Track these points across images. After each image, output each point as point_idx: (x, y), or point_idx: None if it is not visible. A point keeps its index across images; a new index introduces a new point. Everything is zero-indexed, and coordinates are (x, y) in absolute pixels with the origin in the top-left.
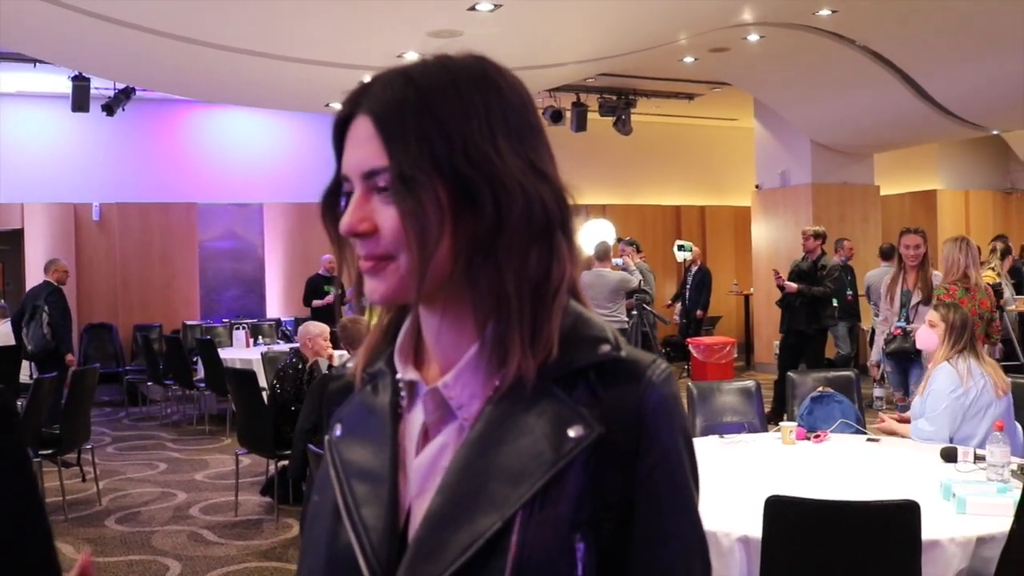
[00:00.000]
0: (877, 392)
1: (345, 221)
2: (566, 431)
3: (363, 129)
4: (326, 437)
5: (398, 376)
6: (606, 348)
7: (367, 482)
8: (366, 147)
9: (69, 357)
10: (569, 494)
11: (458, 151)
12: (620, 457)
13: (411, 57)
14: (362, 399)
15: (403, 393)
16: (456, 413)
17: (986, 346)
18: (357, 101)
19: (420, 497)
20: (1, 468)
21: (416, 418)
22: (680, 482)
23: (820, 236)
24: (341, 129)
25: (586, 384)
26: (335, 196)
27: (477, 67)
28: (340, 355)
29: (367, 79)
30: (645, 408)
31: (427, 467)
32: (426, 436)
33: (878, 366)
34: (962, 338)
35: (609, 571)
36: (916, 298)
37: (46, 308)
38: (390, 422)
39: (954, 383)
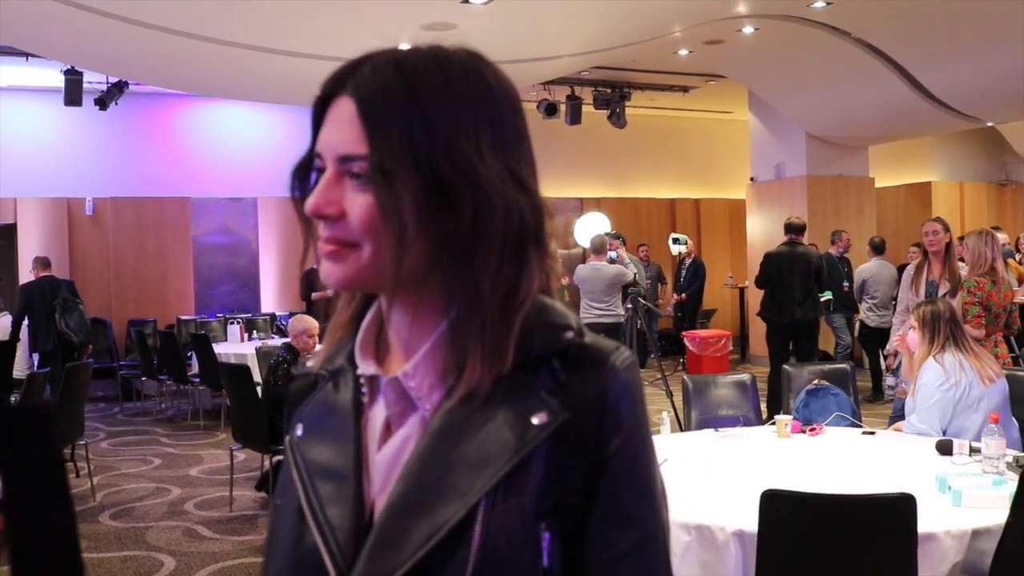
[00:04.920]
0: (890, 381)
1: (312, 201)
2: (529, 418)
3: (345, 111)
4: (286, 438)
5: (359, 371)
6: (569, 335)
7: (331, 481)
8: (345, 130)
9: (89, 347)
10: (533, 482)
11: (441, 152)
12: (582, 443)
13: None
14: (323, 397)
15: (364, 389)
16: (417, 404)
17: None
18: (342, 81)
19: (383, 492)
20: (36, 472)
21: (378, 413)
22: (640, 468)
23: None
24: (322, 105)
25: (549, 371)
26: (306, 171)
27: (471, 64)
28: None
29: (355, 58)
30: (608, 394)
31: (390, 461)
32: (388, 430)
33: (895, 355)
34: (938, 331)
35: (571, 558)
36: (943, 289)
37: (78, 299)
38: (352, 419)
39: (940, 377)
